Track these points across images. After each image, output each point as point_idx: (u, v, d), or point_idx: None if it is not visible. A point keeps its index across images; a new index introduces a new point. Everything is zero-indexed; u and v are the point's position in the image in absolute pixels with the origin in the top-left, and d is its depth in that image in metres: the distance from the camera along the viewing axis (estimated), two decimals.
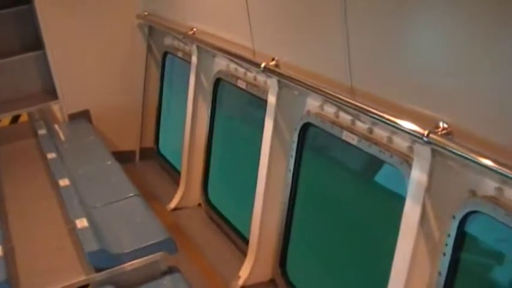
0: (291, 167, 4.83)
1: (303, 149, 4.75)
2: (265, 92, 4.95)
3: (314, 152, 4.75)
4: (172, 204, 6.66)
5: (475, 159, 2.81)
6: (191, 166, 6.58)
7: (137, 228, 5.00)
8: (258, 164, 5.07)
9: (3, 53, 7.59)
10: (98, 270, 4.54)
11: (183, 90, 6.66)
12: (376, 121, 3.51)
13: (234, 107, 6.08)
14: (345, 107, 3.84)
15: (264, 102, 4.97)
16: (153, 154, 7.89)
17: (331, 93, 3.86)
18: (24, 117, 7.36)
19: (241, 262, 5.33)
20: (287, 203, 4.93)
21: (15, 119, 7.33)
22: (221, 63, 5.89)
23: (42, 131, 6.99)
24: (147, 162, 7.90)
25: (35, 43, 7.46)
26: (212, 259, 5.68)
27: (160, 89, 7.72)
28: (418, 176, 3.33)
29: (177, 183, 6.85)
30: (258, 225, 5.10)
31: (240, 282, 5.21)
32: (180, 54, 6.89)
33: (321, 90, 3.97)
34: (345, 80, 3.82)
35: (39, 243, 5.04)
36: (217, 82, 6.08)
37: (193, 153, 6.54)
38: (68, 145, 6.81)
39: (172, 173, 7.25)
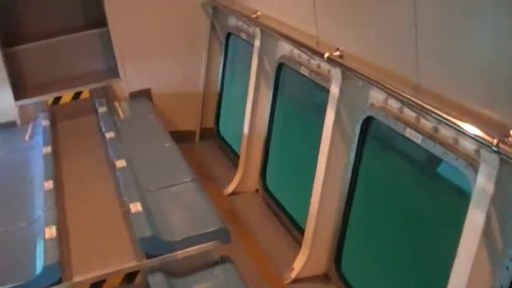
0: (351, 160, 4.67)
1: (365, 143, 4.58)
2: (329, 81, 4.79)
3: (376, 146, 4.58)
4: (230, 189, 6.59)
5: None
6: (250, 151, 6.49)
7: (191, 216, 4.94)
8: (318, 154, 4.93)
9: (68, 29, 7.61)
10: (149, 256, 4.49)
11: (245, 72, 6.56)
12: (442, 123, 3.32)
13: (296, 94, 5.94)
14: (409, 105, 3.65)
15: (326, 91, 4.81)
16: (213, 135, 7.81)
17: (395, 90, 3.68)
18: (85, 94, 7.37)
19: (296, 252, 5.23)
20: (345, 196, 4.77)
21: (76, 95, 7.34)
22: (285, 48, 5.74)
23: (102, 109, 6.99)
24: (207, 142, 7.83)
25: (100, 20, 7.42)
26: (266, 248, 5.59)
27: (223, 70, 7.62)
28: (483, 183, 3.14)
29: (235, 165, 6.77)
30: (315, 217, 4.98)
31: (293, 274, 5.11)
32: (243, 35, 6.77)
33: (385, 86, 3.80)
34: (412, 76, 3.64)
35: (93, 224, 5.05)
36: (280, 67, 5.94)
37: (252, 138, 6.45)
38: (127, 124, 6.78)
39: (231, 155, 7.17)
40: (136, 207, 4.83)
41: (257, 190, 6.51)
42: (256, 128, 6.39)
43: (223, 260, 4.63)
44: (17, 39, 7.56)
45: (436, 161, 3.75)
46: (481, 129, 2.98)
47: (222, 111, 7.73)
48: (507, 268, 3.12)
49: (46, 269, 4.33)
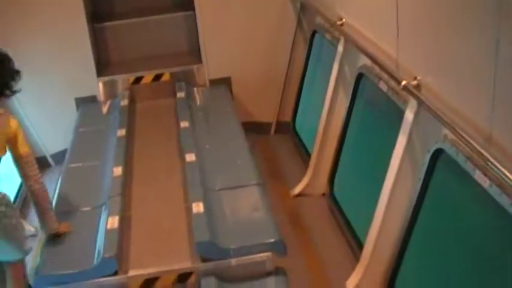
0: (418, 189, 4.57)
1: (433, 174, 4.47)
2: (405, 103, 4.69)
3: (444, 179, 4.44)
4: (297, 190, 6.58)
5: None
6: (322, 154, 6.46)
7: (250, 223, 4.93)
8: (386, 174, 4.86)
9: (156, 10, 7.70)
10: (204, 259, 4.54)
11: (326, 72, 6.49)
12: (500, 182, 3.22)
13: (374, 107, 5.83)
14: (476, 154, 3.55)
15: (402, 112, 4.72)
16: (288, 129, 7.80)
17: (465, 136, 3.58)
18: (166, 76, 7.44)
19: (352, 268, 5.19)
20: (407, 222, 4.68)
21: (157, 77, 7.42)
22: (366, 59, 5.64)
23: (181, 94, 7.05)
24: (282, 136, 7.84)
25: (187, 3, 7.46)
26: (323, 259, 5.58)
27: (305, 66, 7.56)
28: None
29: (306, 165, 6.75)
30: (374, 238, 4.93)
31: None
32: (328, 36, 6.69)
33: (456, 130, 3.70)
34: (485, 124, 3.52)
35: (155, 218, 5.11)
36: (360, 76, 5.85)
37: (326, 142, 6.41)
38: (203, 113, 6.80)
39: (304, 154, 7.15)
40: (198, 207, 4.88)
41: (324, 194, 6.48)
42: (330, 133, 6.35)
43: (277, 272, 4.63)
44: (105, 15, 7.69)
45: (503, 213, 3.64)
46: None
47: (300, 107, 7.70)
48: None
49: (104, 260, 4.46)
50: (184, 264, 4.56)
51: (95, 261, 4.51)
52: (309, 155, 6.81)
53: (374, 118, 5.84)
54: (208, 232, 4.59)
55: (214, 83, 7.49)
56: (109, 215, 4.89)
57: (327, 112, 6.33)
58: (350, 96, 6.05)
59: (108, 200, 5.13)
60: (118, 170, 5.50)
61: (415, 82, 4.34)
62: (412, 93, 4.31)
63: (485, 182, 3.66)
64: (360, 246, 5.27)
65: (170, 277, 4.55)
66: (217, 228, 4.74)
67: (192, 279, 4.54)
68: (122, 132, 6.20)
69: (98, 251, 4.60)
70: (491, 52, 3.35)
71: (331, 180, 6.33)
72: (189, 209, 4.96)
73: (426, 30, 4.32)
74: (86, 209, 5.20)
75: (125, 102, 6.95)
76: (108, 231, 4.71)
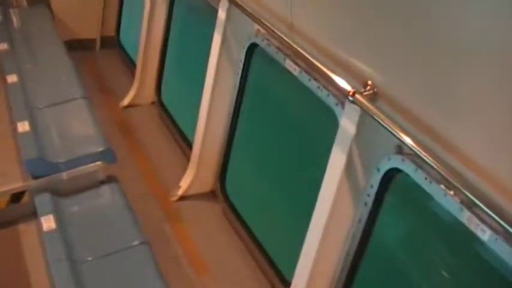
0: (237, 84, 4.77)
1: (249, 68, 4.67)
2: (218, 2, 4.79)
3: (260, 72, 4.66)
4: (126, 101, 6.63)
5: (393, 128, 2.79)
6: (146, 63, 6.51)
7: (78, 136, 4.93)
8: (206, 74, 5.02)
9: None
10: (35, 177, 4.53)
11: None
12: (308, 68, 3.44)
13: (189, 10, 5.92)
14: (284, 44, 3.75)
15: (216, 12, 4.83)
16: (113, 43, 7.74)
17: (272, 28, 3.77)
18: None
19: (185, 169, 5.36)
20: (230, 118, 4.92)
21: None
22: None
23: None
24: (108, 51, 7.77)
25: None
26: (157, 164, 5.73)
27: None
28: (347, 124, 3.30)
29: (134, 76, 6.77)
30: (201, 137, 5.12)
31: (180, 192, 5.28)
32: None
33: (263, 24, 3.87)
34: (286, 15, 3.71)
35: None
36: None
37: (149, 52, 6.45)
38: (23, 34, 6.57)
39: (130, 66, 7.16)
40: (23, 126, 4.82)
41: (153, 103, 6.57)
42: (151, 42, 6.40)
43: (109, 180, 4.70)
44: None
45: (312, 96, 3.87)
46: (342, 78, 3.12)
47: (123, 20, 7.64)
48: (365, 204, 3.33)
49: None
50: (15, 183, 4.52)
51: None
52: (135, 67, 6.82)
53: (191, 22, 5.93)
54: (36, 149, 4.57)
55: (32, 3, 7.24)
56: None
57: (147, 22, 6.34)
58: (168, 4, 6.08)
59: None
60: None
61: None
62: None
63: (295, 70, 3.89)
64: (191, 147, 5.43)
65: (3, 199, 4.49)
66: (46, 145, 4.72)
67: (26, 197, 4.52)
68: None
69: None
70: None
71: (158, 88, 6.43)
72: (14, 129, 4.88)
73: None
74: None
75: None
76: None
